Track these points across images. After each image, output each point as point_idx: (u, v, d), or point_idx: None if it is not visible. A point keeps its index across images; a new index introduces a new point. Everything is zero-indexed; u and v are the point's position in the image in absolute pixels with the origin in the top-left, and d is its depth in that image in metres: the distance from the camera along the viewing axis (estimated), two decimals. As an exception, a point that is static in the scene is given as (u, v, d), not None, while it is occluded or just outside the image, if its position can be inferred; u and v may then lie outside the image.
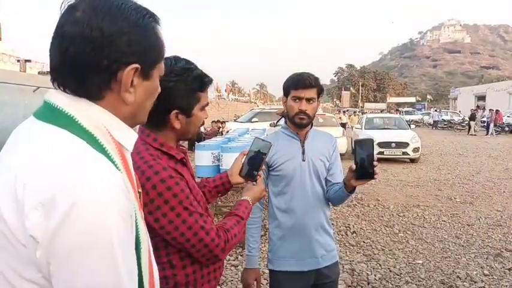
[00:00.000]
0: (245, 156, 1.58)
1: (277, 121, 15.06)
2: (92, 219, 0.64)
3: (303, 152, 1.98)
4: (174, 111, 1.28)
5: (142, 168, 1.22)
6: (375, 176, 1.67)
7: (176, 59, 1.32)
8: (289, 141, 2.00)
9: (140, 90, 0.80)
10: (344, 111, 30.91)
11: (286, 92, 1.99)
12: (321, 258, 1.99)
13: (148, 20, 0.80)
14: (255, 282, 2.00)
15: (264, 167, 1.57)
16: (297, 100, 1.92)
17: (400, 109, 30.20)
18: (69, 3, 0.76)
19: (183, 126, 1.33)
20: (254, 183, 1.55)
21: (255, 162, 1.56)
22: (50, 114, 0.74)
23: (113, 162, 0.73)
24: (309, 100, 1.92)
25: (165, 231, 1.22)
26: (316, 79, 1.94)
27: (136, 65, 0.76)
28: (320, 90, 1.96)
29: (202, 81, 1.33)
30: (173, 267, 1.30)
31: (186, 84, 1.28)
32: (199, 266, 1.34)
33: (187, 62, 1.33)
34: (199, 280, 1.35)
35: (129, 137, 0.82)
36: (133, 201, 0.74)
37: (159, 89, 0.88)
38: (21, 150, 0.71)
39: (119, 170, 0.73)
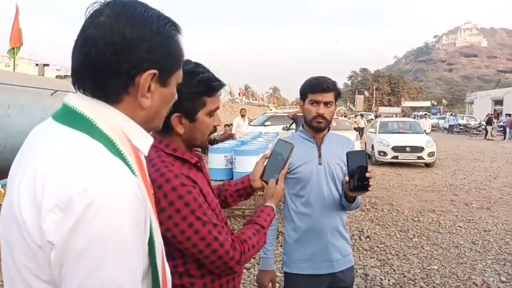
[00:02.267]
0: (267, 160, 1.54)
1: (290, 125, 15.02)
2: (105, 221, 0.65)
3: (319, 156, 1.98)
4: (176, 115, 1.23)
5: (153, 176, 1.15)
6: (369, 189, 1.69)
7: (185, 61, 1.24)
8: (305, 145, 2.00)
9: (157, 96, 0.82)
10: (362, 115, 30.03)
11: (303, 96, 2.00)
12: (336, 262, 1.98)
13: (169, 28, 0.82)
14: (270, 284, 2.00)
15: (286, 168, 1.54)
16: (315, 104, 1.94)
17: (427, 113, 28.11)
18: (94, 9, 0.79)
19: (187, 131, 1.28)
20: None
21: (277, 165, 1.51)
22: (69, 117, 0.76)
23: (129, 166, 0.74)
24: (326, 104, 1.93)
25: (177, 241, 1.18)
26: (334, 83, 1.96)
27: (155, 71, 0.78)
28: (337, 94, 1.97)
29: (209, 85, 1.27)
30: (191, 276, 1.26)
31: (189, 87, 1.21)
32: (218, 275, 1.29)
33: (197, 65, 1.29)
34: None
35: (145, 140, 0.84)
36: (148, 205, 0.75)
37: (176, 97, 0.89)
38: (41, 152, 0.72)
39: (134, 174, 0.75)
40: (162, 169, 1.19)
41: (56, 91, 5.55)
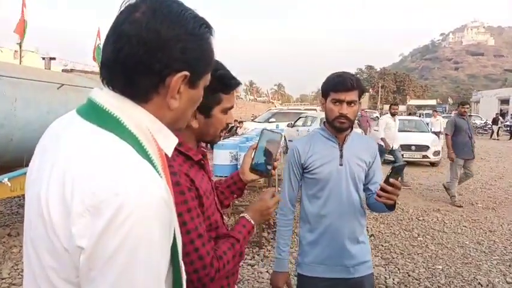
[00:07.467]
0: (254, 151, 1.49)
1: (295, 122, 15.01)
2: (135, 227, 0.64)
3: (341, 156, 1.88)
4: None
5: None
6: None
7: None
8: (326, 144, 1.90)
9: (185, 98, 0.80)
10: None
11: (325, 94, 1.88)
12: (352, 268, 1.89)
13: (204, 30, 0.79)
14: (285, 286, 1.94)
15: (279, 159, 1.48)
16: (337, 103, 1.82)
17: (436, 110, 25.69)
18: (129, 3, 0.76)
19: (202, 126, 1.28)
20: (273, 186, 1.49)
21: (266, 156, 1.47)
22: (96, 114, 0.74)
23: (155, 168, 0.73)
24: (350, 103, 1.81)
25: None
26: (358, 80, 1.84)
27: (187, 73, 0.76)
28: (361, 92, 1.85)
29: (225, 82, 1.28)
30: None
31: None
32: None
33: (216, 63, 1.30)
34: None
35: (170, 142, 0.82)
36: (173, 206, 0.74)
37: (201, 99, 0.87)
38: (69, 150, 0.70)
39: (160, 175, 0.73)
40: None
41: (63, 85, 5.55)
